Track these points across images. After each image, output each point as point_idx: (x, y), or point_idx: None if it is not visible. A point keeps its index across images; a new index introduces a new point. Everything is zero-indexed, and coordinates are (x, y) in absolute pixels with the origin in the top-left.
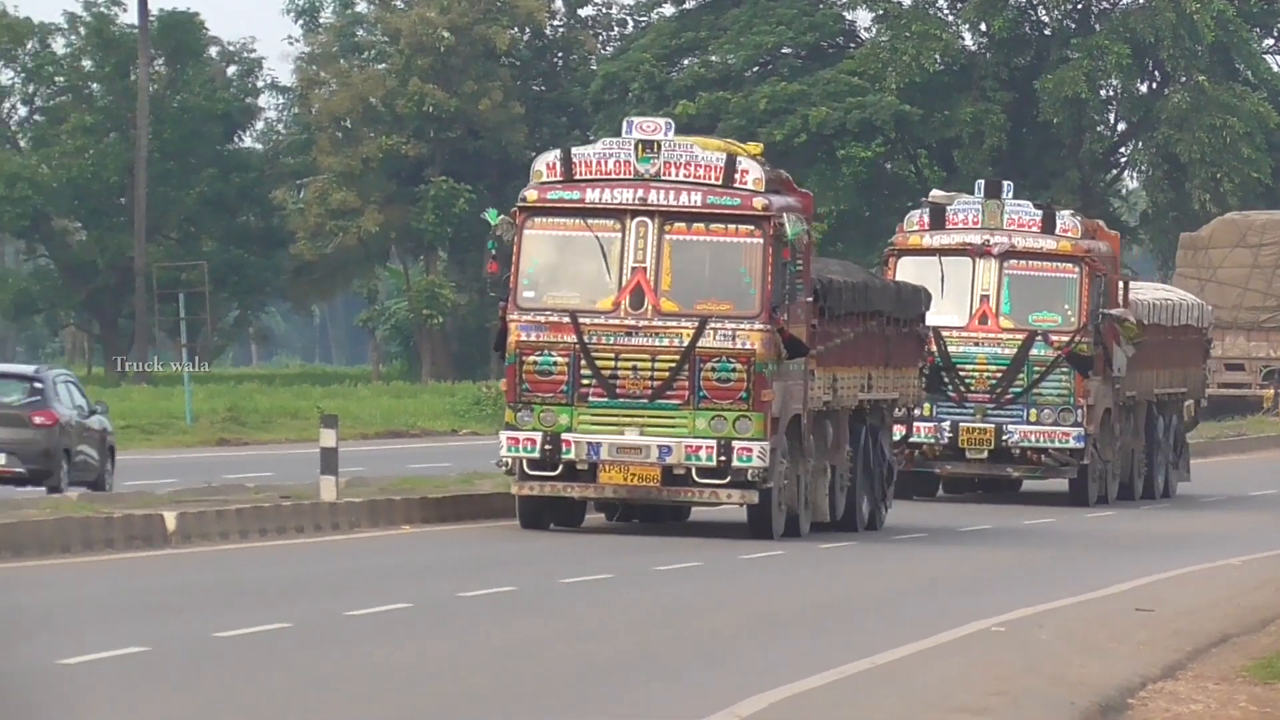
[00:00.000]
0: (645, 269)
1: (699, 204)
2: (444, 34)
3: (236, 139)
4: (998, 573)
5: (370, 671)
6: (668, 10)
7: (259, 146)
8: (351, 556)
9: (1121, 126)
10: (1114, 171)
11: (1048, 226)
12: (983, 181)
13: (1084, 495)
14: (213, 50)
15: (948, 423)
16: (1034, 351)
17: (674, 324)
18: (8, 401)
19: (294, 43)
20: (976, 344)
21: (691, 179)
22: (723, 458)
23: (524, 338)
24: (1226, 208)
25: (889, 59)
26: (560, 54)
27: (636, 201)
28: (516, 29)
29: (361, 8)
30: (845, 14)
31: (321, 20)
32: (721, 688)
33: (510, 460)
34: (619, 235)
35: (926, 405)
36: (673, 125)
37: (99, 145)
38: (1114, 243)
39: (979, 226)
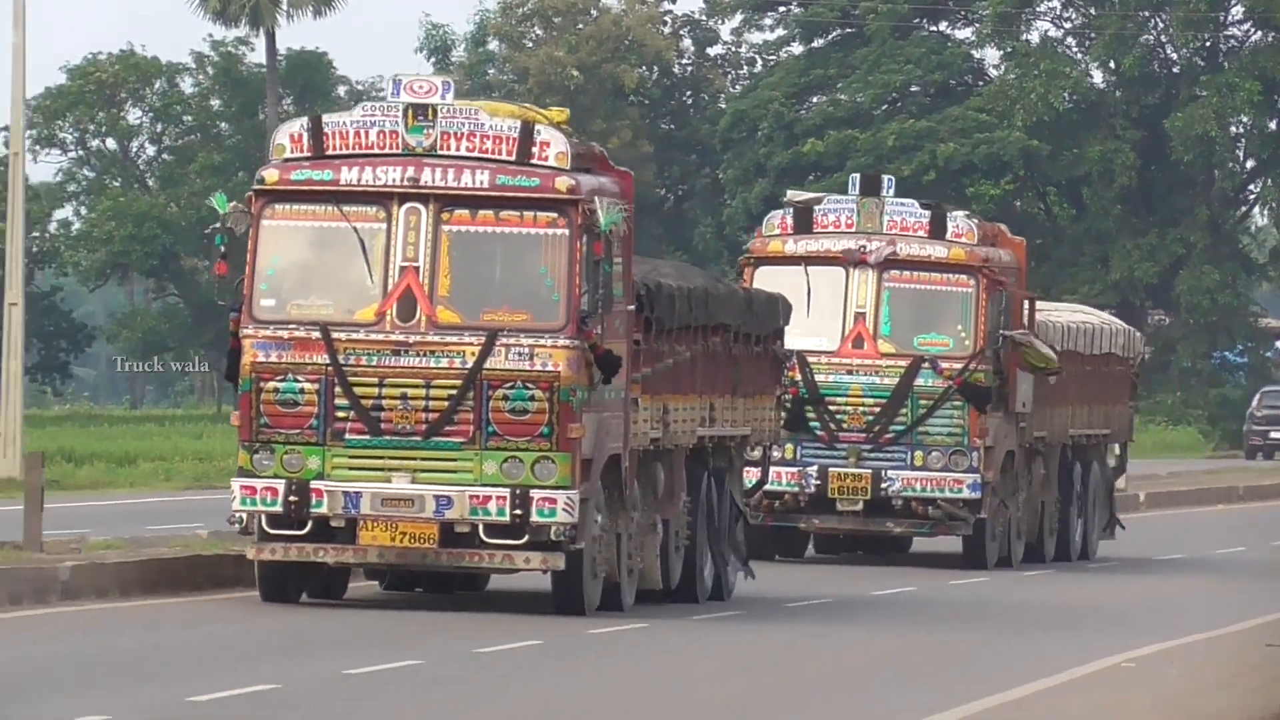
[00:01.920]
0: (417, 269)
1: (486, 185)
2: (573, 72)
3: None
4: (876, 664)
5: None
6: (796, 49)
7: None
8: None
9: (1251, 164)
10: (1243, 209)
11: (937, 230)
12: (858, 176)
13: (980, 556)
14: (341, 89)
15: (815, 467)
16: (920, 381)
17: (454, 339)
18: None
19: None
20: (850, 372)
21: (477, 153)
22: (518, 511)
23: (261, 358)
24: None
25: (1017, 96)
26: (689, 92)
27: (406, 183)
28: (645, 68)
29: (492, 46)
30: (973, 52)
31: (453, 58)
32: None
33: (245, 515)
34: (384, 226)
35: (790, 446)
36: (451, 86)
37: (227, 184)
38: (1019, 250)
39: (854, 230)
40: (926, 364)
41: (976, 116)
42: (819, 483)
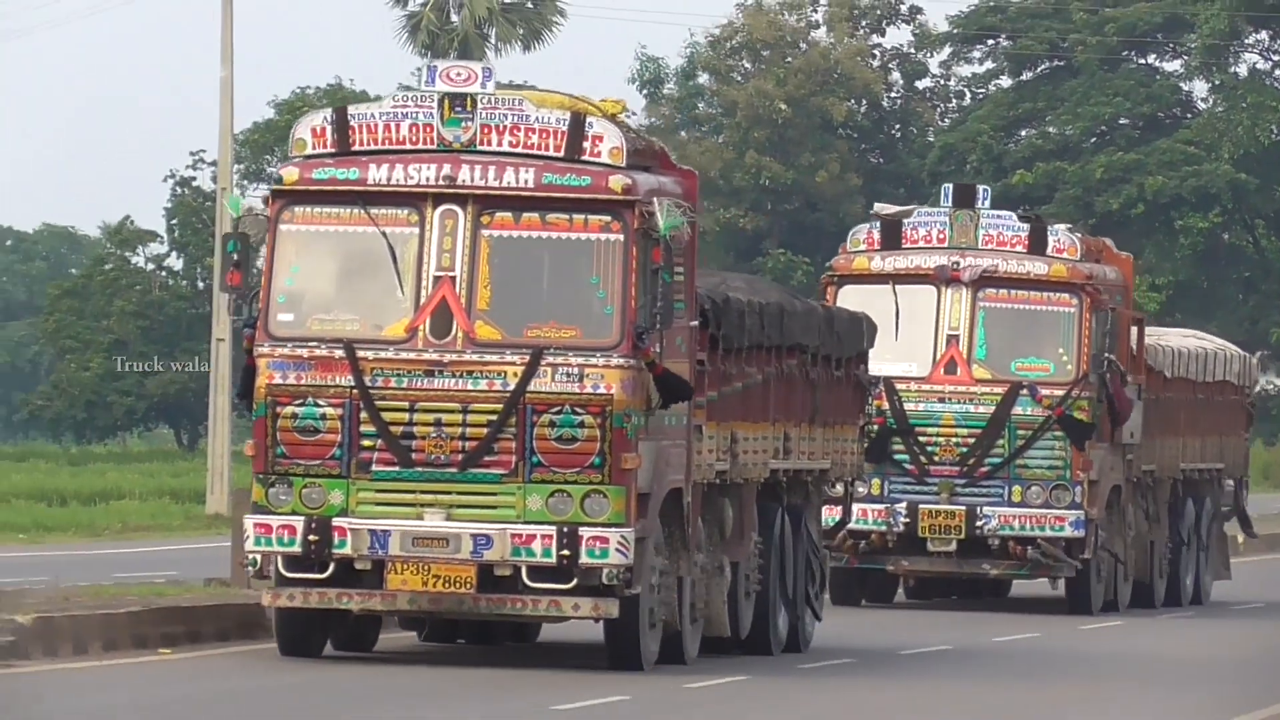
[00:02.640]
0: (454, 279)
1: (531, 185)
2: (781, 106)
3: None
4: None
5: None
6: (1005, 82)
7: None
8: None
9: None
10: None
11: (1037, 245)
12: (950, 186)
13: (1085, 600)
14: None
15: (904, 504)
16: (1018, 410)
17: (495, 358)
18: None
19: (632, 115)
20: (942, 400)
21: (521, 149)
22: (566, 552)
23: (278, 380)
24: None
25: (1224, 129)
26: (898, 125)
27: (441, 182)
28: (853, 101)
29: (702, 79)
30: (1181, 84)
31: (664, 92)
32: None
33: (260, 557)
34: (416, 231)
35: (876, 481)
36: (493, 73)
37: None
38: (1125, 267)
39: (946, 245)
40: (1025, 391)
41: (1184, 149)
42: (908, 521)
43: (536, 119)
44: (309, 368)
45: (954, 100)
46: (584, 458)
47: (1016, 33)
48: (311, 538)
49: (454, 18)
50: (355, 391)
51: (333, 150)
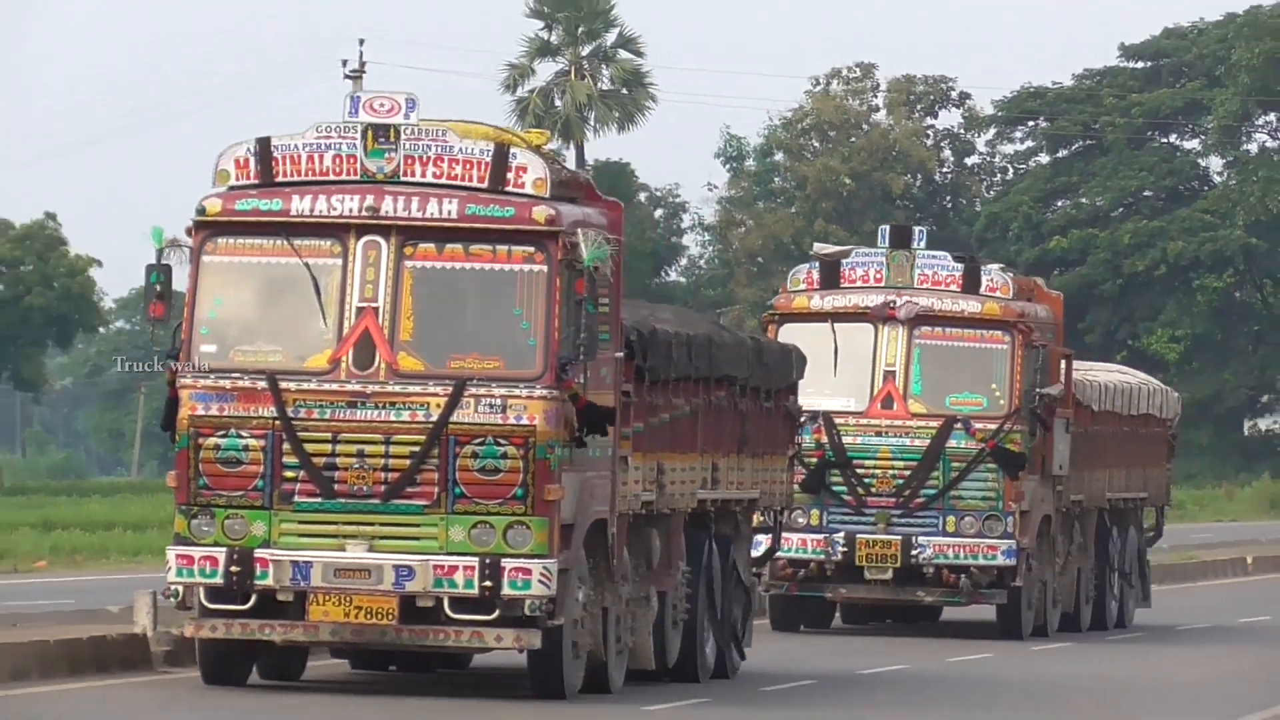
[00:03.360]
0: (376, 310)
1: (454, 216)
2: (845, 180)
3: (663, 274)
4: None
5: None
6: (1043, 159)
7: (683, 280)
8: None
9: None
10: None
11: (970, 284)
12: (888, 227)
13: (1016, 626)
14: (641, 195)
15: (842, 534)
16: (952, 443)
17: (417, 389)
18: None
19: (713, 188)
20: (879, 434)
21: (445, 180)
22: (488, 583)
23: (200, 411)
24: None
25: (1238, 199)
26: (949, 197)
27: (364, 213)
28: (909, 175)
29: (778, 157)
30: (1199, 160)
31: (745, 167)
32: None
33: (181, 588)
34: (339, 262)
35: (815, 512)
36: (416, 103)
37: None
38: (1055, 305)
39: (883, 284)
40: (959, 425)
41: (1202, 217)
42: (846, 550)
43: (460, 150)
44: (231, 399)
45: (998, 175)
46: (507, 489)
47: (1053, 115)
48: (233, 569)
49: (558, 103)
50: (278, 422)
51: (256, 181)
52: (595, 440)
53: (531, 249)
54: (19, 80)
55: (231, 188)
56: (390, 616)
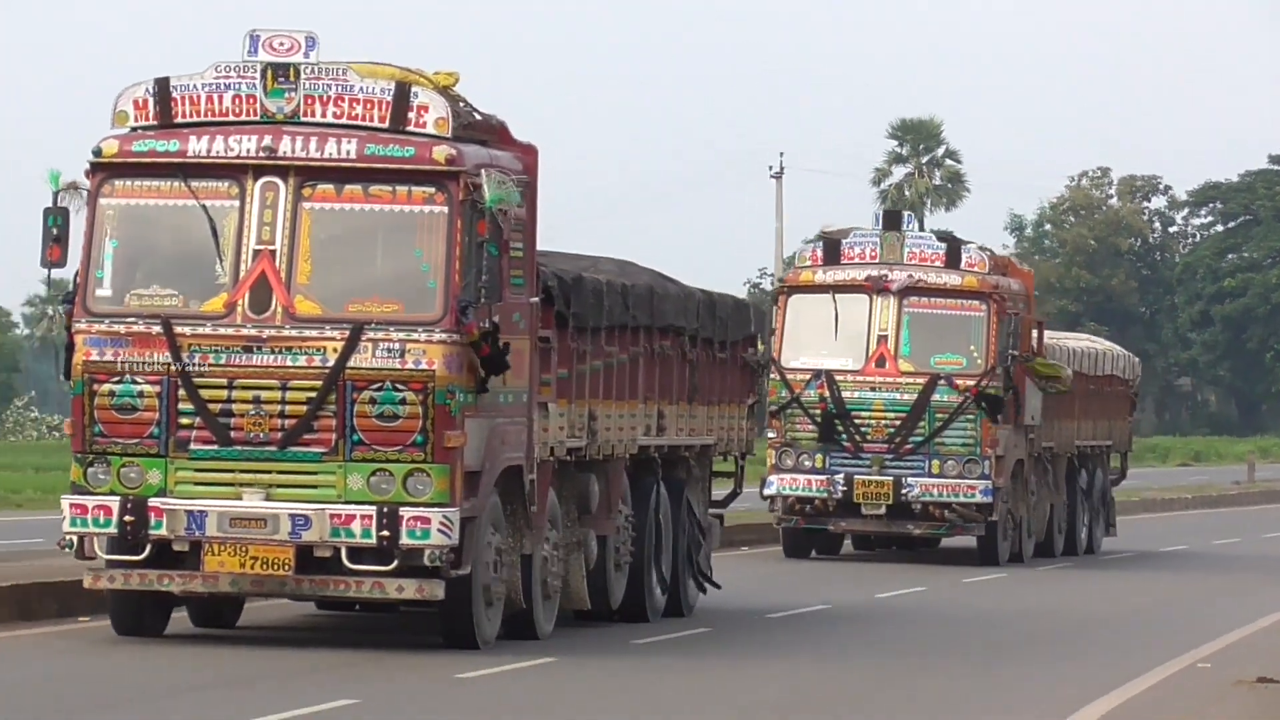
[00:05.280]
0: (274, 253)
1: (353, 156)
2: (1090, 242)
3: None
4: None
5: None
6: (1219, 227)
7: None
8: None
9: None
10: None
11: (952, 260)
12: (881, 211)
13: (993, 554)
14: None
15: (841, 475)
16: (936, 397)
17: (314, 334)
18: None
19: (1005, 247)
20: (873, 389)
21: (345, 120)
22: (386, 533)
23: (95, 357)
24: None
25: None
26: (1158, 253)
27: (261, 154)
28: (1132, 239)
29: (1047, 227)
30: None
31: (1025, 234)
32: None
33: (76, 538)
34: (237, 204)
35: (819, 456)
36: (316, 42)
37: None
38: (1027, 280)
39: (877, 261)
40: (943, 381)
41: None
42: (845, 489)
43: (361, 89)
44: (126, 344)
45: (1190, 238)
46: (406, 435)
47: (1226, 198)
48: (127, 518)
49: (906, 193)
50: (173, 368)
51: (154, 123)
52: (509, 386)
53: (432, 189)
54: None
55: (131, 129)
56: (286, 567)
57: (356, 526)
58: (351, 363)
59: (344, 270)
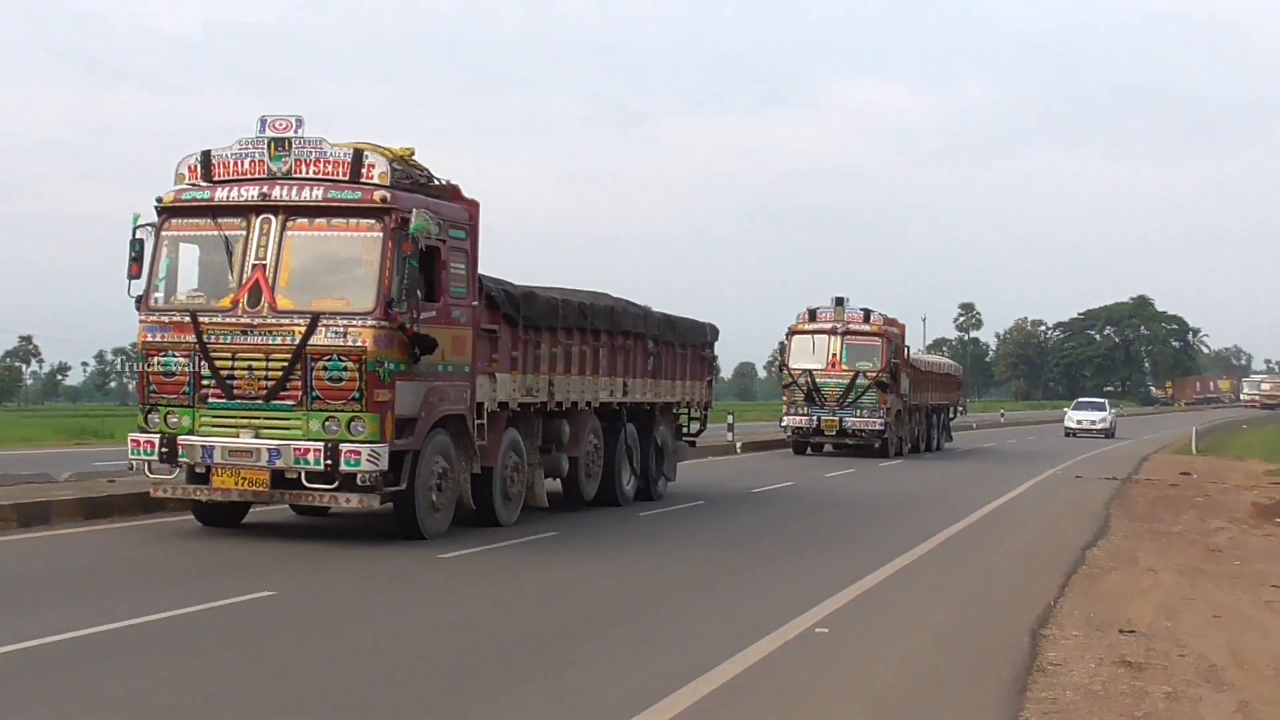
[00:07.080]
0: (265, 266)
1: (320, 199)
2: None
3: None
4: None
5: None
6: None
7: None
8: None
9: None
10: None
11: (866, 319)
12: (835, 296)
13: (886, 452)
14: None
15: (815, 417)
16: (859, 381)
17: (288, 322)
18: None
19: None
20: (829, 377)
21: (319, 175)
22: (329, 461)
23: (150, 339)
24: None
25: None
26: None
27: (259, 199)
28: None
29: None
30: None
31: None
32: None
33: (134, 463)
34: (244, 234)
35: (805, 408)
36: (303, 121)
37: None
38: (902, 329)
39: (833, 320)
40: (862, 374)
41: None
42: (815, 424)
43: (330, 154)
44: (169, 330)
45: None
46: (348, 393)
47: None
48: (164, 449)
49: None
50: (197, 345)
51: (201, 180)
52: (449, 360)
53: (372, 220)
54: None
55: (183, 186)
56: (265, 485)
57: (311, 457)
58: (311, 341)
59: (311, 277)
